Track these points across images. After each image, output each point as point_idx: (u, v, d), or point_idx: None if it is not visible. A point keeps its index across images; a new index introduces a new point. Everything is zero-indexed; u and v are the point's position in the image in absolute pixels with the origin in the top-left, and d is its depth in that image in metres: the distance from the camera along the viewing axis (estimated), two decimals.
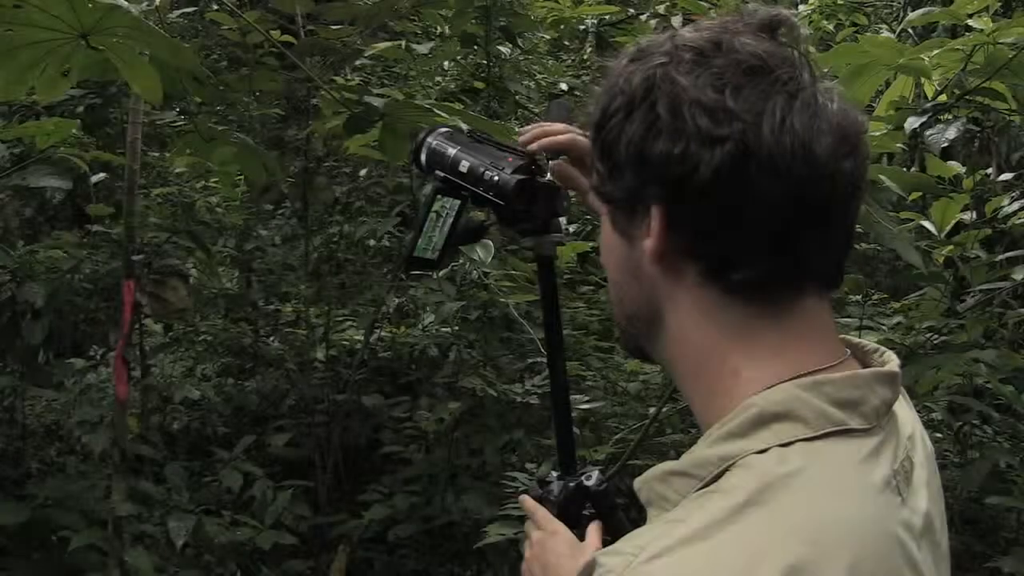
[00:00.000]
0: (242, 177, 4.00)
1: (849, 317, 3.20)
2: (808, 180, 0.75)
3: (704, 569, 0.67)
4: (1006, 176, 3.37)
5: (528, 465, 3.38)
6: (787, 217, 0.75)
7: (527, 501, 1.23)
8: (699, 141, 0.75)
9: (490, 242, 2.99)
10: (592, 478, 1.22)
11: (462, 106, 3.88)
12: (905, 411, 0.88)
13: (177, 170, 4.27)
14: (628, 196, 0.80)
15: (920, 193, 3.02)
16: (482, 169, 1.19)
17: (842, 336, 0.86)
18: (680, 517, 0.71)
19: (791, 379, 0.77)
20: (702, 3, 3.78)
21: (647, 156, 0.77)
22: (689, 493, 0.74)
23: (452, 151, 1.24)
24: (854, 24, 4.87)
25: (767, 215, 0.75)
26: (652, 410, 3.30)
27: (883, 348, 0.86)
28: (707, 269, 0.78)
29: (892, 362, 0.84)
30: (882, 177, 2.12)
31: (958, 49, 2.33)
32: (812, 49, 0.82)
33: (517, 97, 4.59)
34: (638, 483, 0.80)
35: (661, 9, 4.34)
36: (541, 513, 1.20)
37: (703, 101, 0.75)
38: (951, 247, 3.05)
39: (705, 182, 0.75)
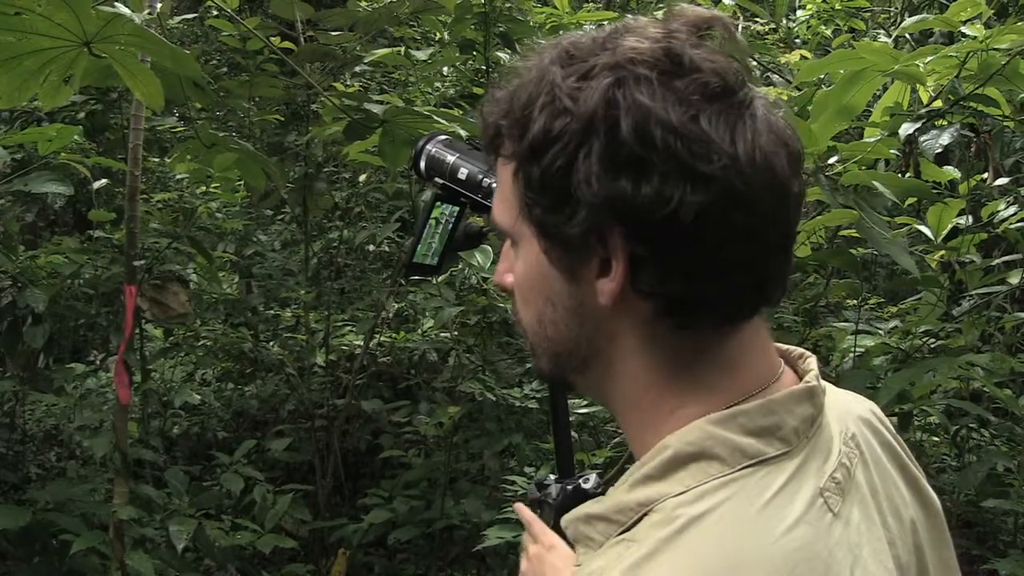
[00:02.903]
0: (242, 183, 4.02)
1: (846, 321, 3.22)
2: (776, 210, 0.70)
3: None
4: (1002, 181, 3.38)
5: (527, 469, 3.39)
6: (758, 249, 0.70)
7: (523, 511, 1.21)
8: (677, 178, 0.66)
9: (489, 248, 3.00)
10: (590, 481, 1.22)
11: (461, 112, 3.90)
12: (848, 407, 0.85)
13: (178, 176, 4.29)
14: (583, 234, 0.70)
15: (916, 198, 3.04)
16: (480, 176, 1.20)
17: (775, 344, 0.81)
18: (601, 566, 0.70)
19: (705, 416, 0.73)
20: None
21: (611, 192, 0.67)
22: (611, 535, 0.73)
23: (451, 158, 1.24)
24: (852, 29, 4.89)
25: (741, 250, 0.69)
26: None
27: (806, 352, 0.82)
28: (667, 308, 0.71)
29: (811, 371, 0.79)
30: (876, 183, 2.14)
31: (952, 56, 2.35)
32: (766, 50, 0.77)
33: None
34: (564, 521, 0.79)
35: (658, 15, 4.35)
36: (538, 525, 1.18)
37: (680, 130, 0.66)
38: (943, 252, 3.07)
39: (685, 224, 0.67)
